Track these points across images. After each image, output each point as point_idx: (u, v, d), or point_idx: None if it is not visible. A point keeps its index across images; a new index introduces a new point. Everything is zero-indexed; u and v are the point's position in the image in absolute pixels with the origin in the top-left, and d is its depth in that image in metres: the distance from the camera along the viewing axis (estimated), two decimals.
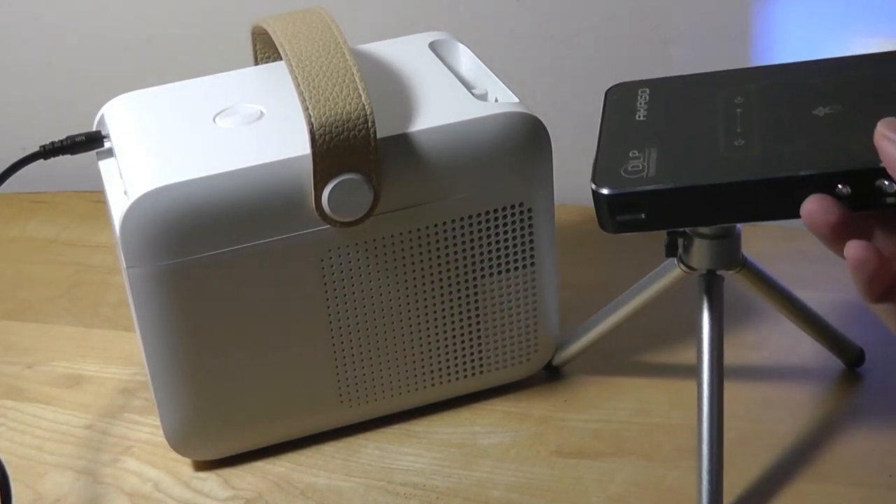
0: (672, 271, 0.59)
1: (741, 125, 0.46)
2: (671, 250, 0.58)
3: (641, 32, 0.83)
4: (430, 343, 0.62)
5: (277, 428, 0.62)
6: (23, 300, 0.79)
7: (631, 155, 0.45)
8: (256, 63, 0.66)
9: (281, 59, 0.60)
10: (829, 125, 0.45)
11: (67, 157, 0.61)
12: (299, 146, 0.55)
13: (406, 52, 0.66)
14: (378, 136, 0.55)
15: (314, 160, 0.55)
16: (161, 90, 0.64)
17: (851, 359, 0.65)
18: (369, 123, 0.54)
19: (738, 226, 0.58)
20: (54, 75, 0.94)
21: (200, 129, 0.59)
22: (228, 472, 0.62)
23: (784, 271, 0.75)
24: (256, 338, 0.59)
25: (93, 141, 0.61)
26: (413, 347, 0.62)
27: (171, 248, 0.55)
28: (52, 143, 0.60)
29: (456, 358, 0.63)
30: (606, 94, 0.51)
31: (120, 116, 0.62)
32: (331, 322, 0.59)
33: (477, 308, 0.62)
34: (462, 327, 0.62)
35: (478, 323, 0.62)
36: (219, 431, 0.61)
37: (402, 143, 0.57)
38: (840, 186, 0.42)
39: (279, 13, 0.61)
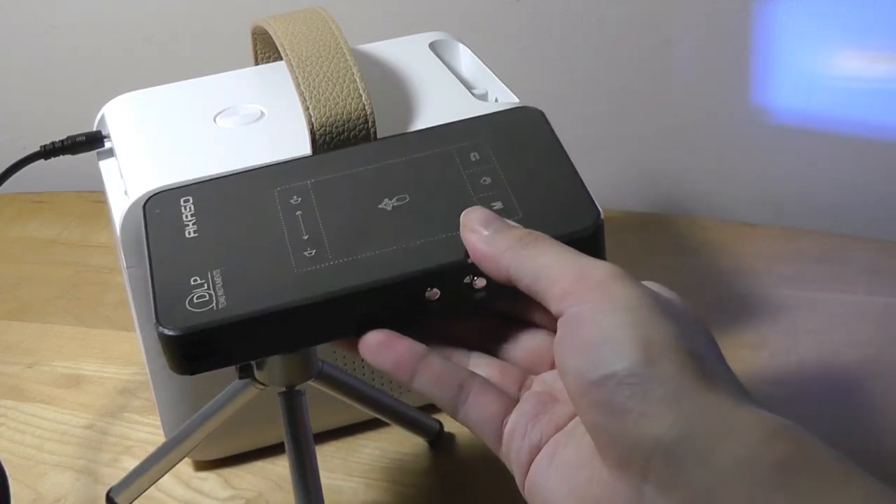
0: (246, 392, 0.53)
1: (306, 231, 0.41)
2: (245, 371, 0.51)
3: (641, 32, 0.83)
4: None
5: (278, 428, 0.62)
6: (23, 300, 0.79)
7: (193, 282, 0.40)
8: (256, 63, 0.66)
9: (281, 59, 0.60)
10: (400, 220, 0.41)
11: (68, 157, 0.61)
12: (300, 146, 0.55)
13: (406, 52, 0.66)
14: (378, 137, 0.55)
15: None
16: (161, 90, 0.64)
17: (431, 436, 0.63)
18: (370, 123, 0.54)
19: None
20: (54, 75, 0.94)
21: (201, 129, 0.59)
22: (228, 472, 0.62)
23: (784, 271, 0.75)
24: None
25: (93, 141, 0.61)
26: None
27: None
28: (53, 143, 0.60)
29: None
30: (144, 207, 0.44)
31: (120, 116, 0.62)
32: None
33: None
34: None
35: None
36: (219, 431, 0.61)
37: None
38: (429, 289, 0.39)
39: (280, 13, 0.61)
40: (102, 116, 0.63)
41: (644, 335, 0.34)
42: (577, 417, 0.38)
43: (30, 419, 0.68)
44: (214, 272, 0.40)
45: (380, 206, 0.42)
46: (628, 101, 0.86)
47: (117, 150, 0.59)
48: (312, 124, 0.54)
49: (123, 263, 0.56)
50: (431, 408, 0.62)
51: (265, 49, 0.66)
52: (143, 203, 0.44)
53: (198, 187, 0.45)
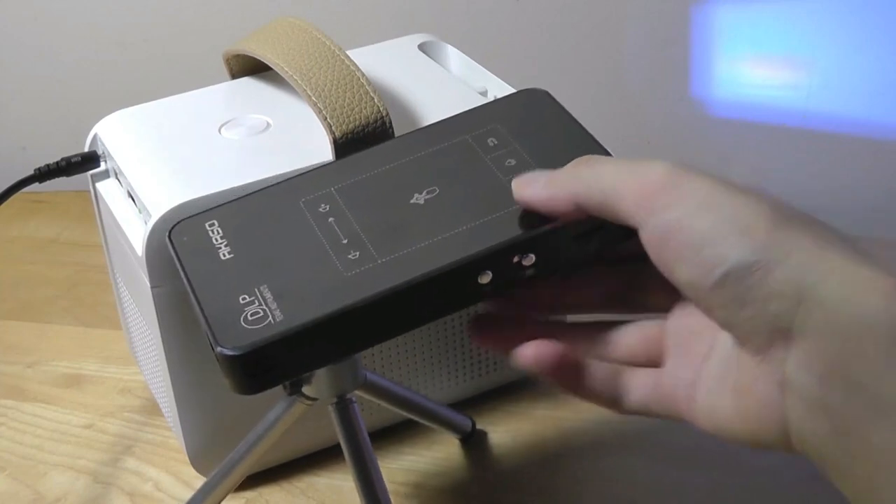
0: (295, 408, 0.52)
1: (344, 236, 0.41)
2: (296, 387, 0.51)
3: (640, 32, 0.83)
4: (447, 344, 0.62)
5: (301, 441, 0.62)
6: (23, 300, 0.79)
7: (242, 301, 0.39)
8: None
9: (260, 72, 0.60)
10: (436, 211, 0.42)
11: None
12: (316, 154, 0.54)
13: (398, 55, 0.66)
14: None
15: None
16: (154, 106, 0.63)
17: (463, 433, 0.63)
18: (387, 125, 0.54)
19: None
20: (56, 75, 0.94)
21: (208, 142, 0.58)
22: None
23: None
24: None
25: (89, 161, 0.61)
26: (432, 349, 0.62)
27: None
28: (48, 165, 0.60)
29: (472, 358, 0.63)
30: (171, 237, 0.43)
31: (117, 134, 0.61)
32: None
33: None
34: None
35: None
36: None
37: None
38: (482, 273, 0.39)
39: (249, 35, 0.60)
40: (96, 136, 0.62)
41: (738, 223, 0.34)
42: (715, 343, 0.38)
43: (30, 419, 0.68)
44: (262, 288, 0.40)
45: (412, 202, 0.42)
46: (628, 100, 0.86)
47: (124, 169, 0.58)
48: (334, 134, 0.53)
49: (147, 283, 0.54)
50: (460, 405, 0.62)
51: (242, 72, 0.65)
52: (167, 233, 0.44)
53: (220, 210, 0.44)
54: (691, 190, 0.35)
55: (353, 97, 0.54)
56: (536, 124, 0.45)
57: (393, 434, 0.63)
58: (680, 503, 0.58)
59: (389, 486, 0.60)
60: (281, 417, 0.52)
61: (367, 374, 0.52)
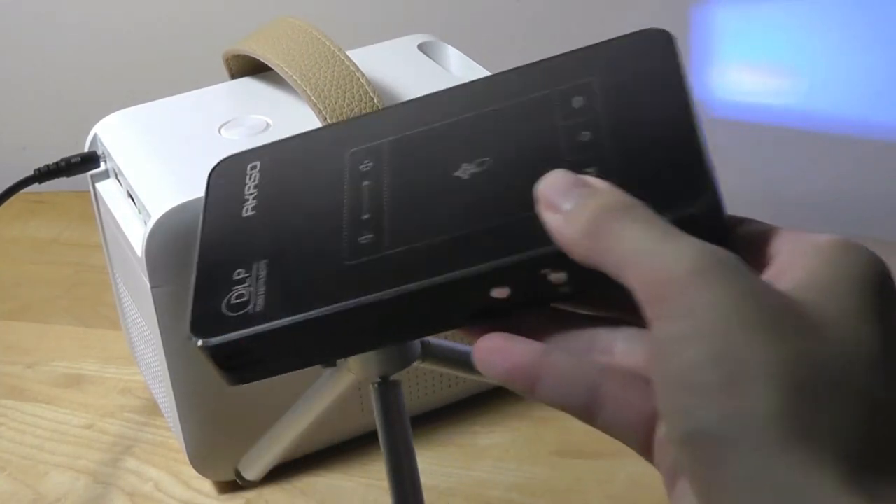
0: (343, 378, 0.49)
1: (368, 209, 0.36)
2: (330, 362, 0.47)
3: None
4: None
5: (301, 442, 0.61)
6: (23, 300, 0.79)
7: (237, 276, 0.35)
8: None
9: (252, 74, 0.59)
10: (472, 194, 0.35)
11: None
12: None
13: (398, 55, 0.66)
14: None
15: None
16: (153, 106, 0.63)
17: None
18: None
19: None
20: (56, 75, 0.94)
21: (208, 142, 0.58)
22: None
23: None
24: None
25: (89, 161, 0.61)
26: None
27: None
28: (48, 165, 0.60)
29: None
30: (210, 176, 0.39)
31: (117, 134, 0.61)
32: None
33: None
34: None
35: None
36: (245, 451, 0.60)
37: None
38: (495, 290, 0.32)
39: (249, 36, 0.60)
40: (95, 136, 0.62)
41: (731, 376, 0.26)
42: None
43: (30, 419, 0.68)
44: (261, 264, 0.36)
45: (455, 174, 0.36)
46: None
47: (124, 169, 0.58)
48: None
49: (147, 283, 0.54)
50: None
51: (242, 72, 0.65)
52: (211, 171, 0.40)
53: (270, 149, 0.40)
54: (708, 303, 0.27)
55: (353, 97, 0.54)
56: (639, 84, 0.38)
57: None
58: None
59: (386, 485, 0.60)
60: (328, 388, 0.48)
61: (426, 344, 0.48)
